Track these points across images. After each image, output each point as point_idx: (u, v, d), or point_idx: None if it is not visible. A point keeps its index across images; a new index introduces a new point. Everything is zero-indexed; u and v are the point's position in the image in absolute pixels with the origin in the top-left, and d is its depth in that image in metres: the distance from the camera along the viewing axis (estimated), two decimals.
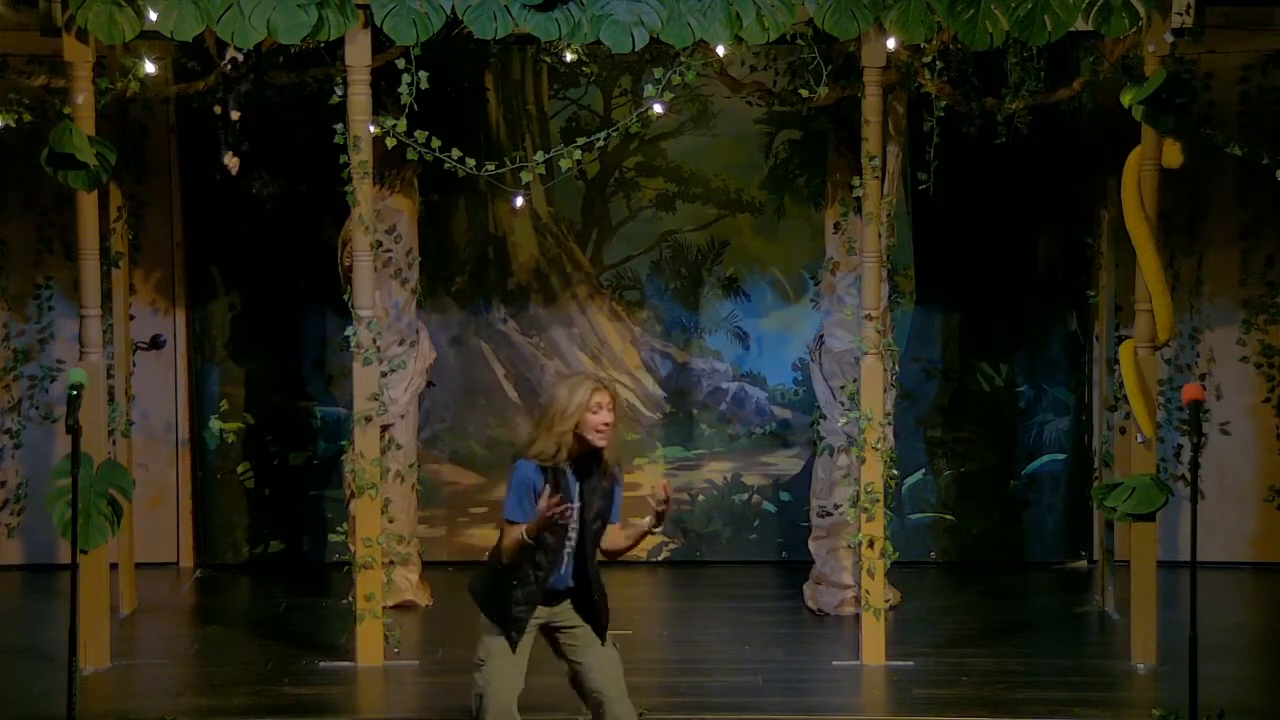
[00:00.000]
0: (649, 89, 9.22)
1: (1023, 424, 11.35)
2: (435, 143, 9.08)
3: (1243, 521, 11.17)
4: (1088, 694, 8.76)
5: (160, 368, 11.18)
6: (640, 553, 10.38)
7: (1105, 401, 10.36)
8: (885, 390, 9.42)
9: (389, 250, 9.99)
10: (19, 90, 9.46)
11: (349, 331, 9.09)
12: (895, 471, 9.51)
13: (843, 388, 9.87)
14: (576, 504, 6.93)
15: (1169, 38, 8.85)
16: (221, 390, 11.29)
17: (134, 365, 10.45)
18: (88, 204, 8.99)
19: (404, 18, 8.78)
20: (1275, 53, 10.80)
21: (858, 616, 9.45)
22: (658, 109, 9.30)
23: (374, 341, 9.07)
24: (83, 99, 8.86)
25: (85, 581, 8.49)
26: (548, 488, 6.81)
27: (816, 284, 10.54)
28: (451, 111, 10.31)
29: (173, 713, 8.48)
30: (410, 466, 10.23)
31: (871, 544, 9.19)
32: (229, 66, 9.15)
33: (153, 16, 8.75)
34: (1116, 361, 9.40)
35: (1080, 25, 8.88)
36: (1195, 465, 7.84)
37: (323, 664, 9.23)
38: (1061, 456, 11.34)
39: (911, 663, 9.25)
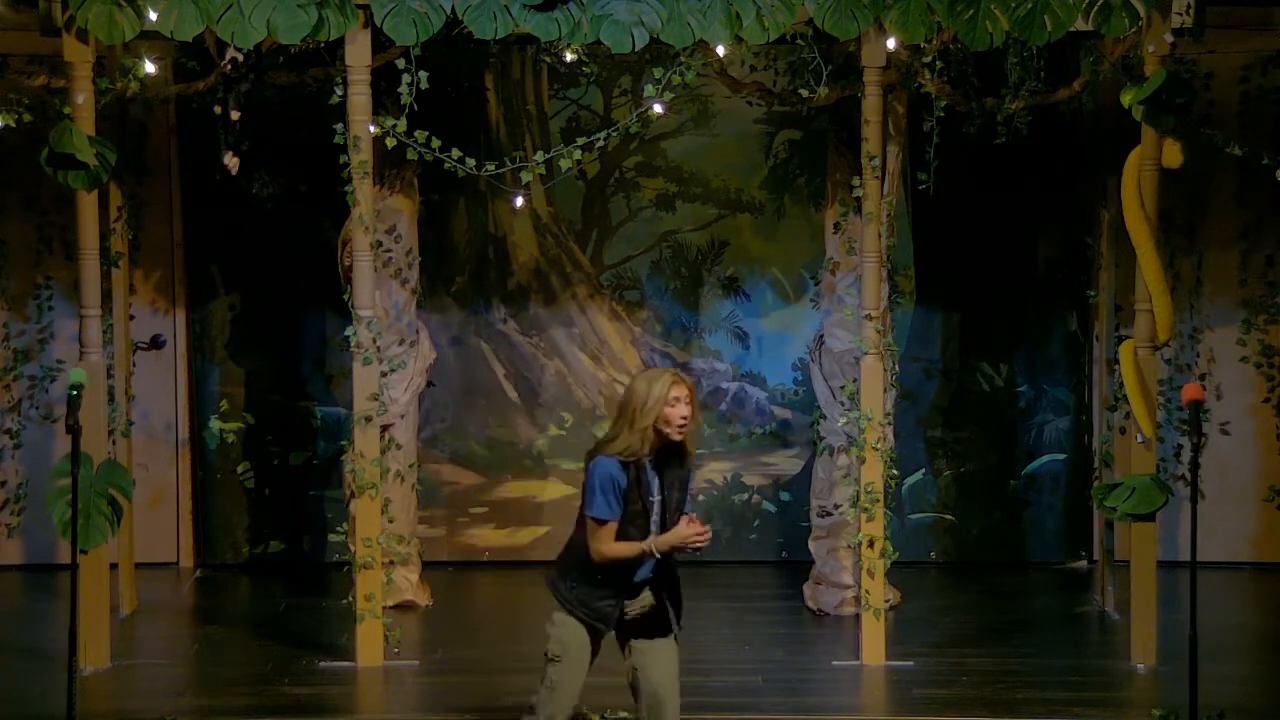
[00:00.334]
0: (649, 89, 9.21)
1: (1023, 424, 11.35)
2: (435, 143, 9.07)
3: (1243, 521, 11.16)
4: (1088, 694, 8.75)
5: (160, 368, 11.18)
6: None
7: (1105, 401, 10.35)
8: (885, 390, 9.42)
9: (389, 250, 9.98)
10: (19, 90, 9.46)
11: (349, 331, 9.08)
12: (895, 471, 9.51)
13: (843, 388, 9.86)
14: (658, 497, 6.96)
15: (1169, 38, 8.85)
16: (221, 390, 11.28)
17: (134, 365, 10.44)
18: (88, 204, 8.98)
19: (404, 18, 8.77)
20: (1275, 53, 10.80)
21: (858, 616, 9.45)
22: (658, 109, 9.29)
23: (374, 341, 9.06)
24: (83, 99, 8.86)
25: (85, 581, 8.49)
26: (692, 516, 6.84)
27: (816, 284, 10.53)
28: (451, 111, 10.30)
29: (173, 713, 8.47)
30: (410, 466, 10.23)
31: (871, 544, 9.18)
32: (229, 66, 9.15)
33: (153, 16, 8.75)
34: (1116, 361, 9.39)
35: (1080, 25, 8.87)
36: (1195, 465, 7.84)
37: (323, 664, 9.23)
38: (1061, 456, 11.34)
39: (911, 663, 9.25)
